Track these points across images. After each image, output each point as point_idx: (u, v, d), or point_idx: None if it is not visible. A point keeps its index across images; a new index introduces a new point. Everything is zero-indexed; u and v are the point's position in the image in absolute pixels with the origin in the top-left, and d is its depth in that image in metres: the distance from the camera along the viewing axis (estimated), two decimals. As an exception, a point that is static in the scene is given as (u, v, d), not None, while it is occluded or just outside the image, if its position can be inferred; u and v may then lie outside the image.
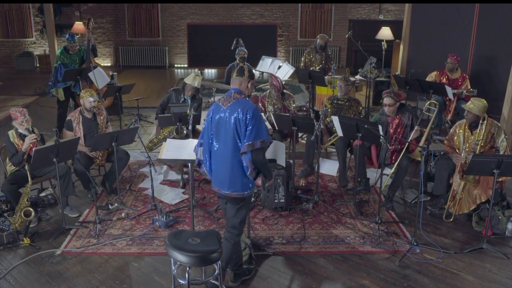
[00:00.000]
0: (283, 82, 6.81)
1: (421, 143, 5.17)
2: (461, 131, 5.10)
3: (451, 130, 5.28)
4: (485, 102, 4.93)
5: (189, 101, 6.13)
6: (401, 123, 5.46)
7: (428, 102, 5.68)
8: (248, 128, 3.50)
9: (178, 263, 3.39)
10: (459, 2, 8.49)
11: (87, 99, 5.42)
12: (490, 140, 4.94)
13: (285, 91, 6.51)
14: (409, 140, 5.19)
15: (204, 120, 3.93)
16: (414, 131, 5.26)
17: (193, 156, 4.20)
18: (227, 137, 3.57)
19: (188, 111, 5.77)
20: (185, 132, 5.60)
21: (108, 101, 7.80)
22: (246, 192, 3.67)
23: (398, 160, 5.29)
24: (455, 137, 5.16)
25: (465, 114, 5.02)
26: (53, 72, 7.27)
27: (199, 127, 6.58)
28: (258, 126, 3.52)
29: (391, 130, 5.44)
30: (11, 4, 13.44)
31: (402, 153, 5.29)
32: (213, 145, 3.68)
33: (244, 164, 3.56)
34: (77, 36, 8.39)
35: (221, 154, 3.63)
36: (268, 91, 6.58)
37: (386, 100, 5.43)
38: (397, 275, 4.15)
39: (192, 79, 6.16)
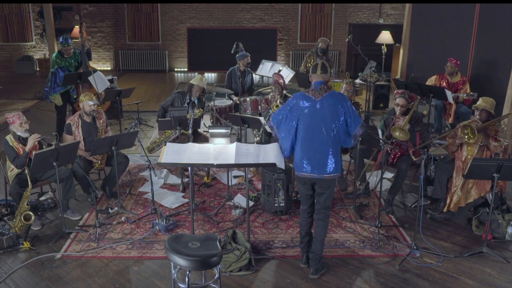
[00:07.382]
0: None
1: (402, 124, 5.13)
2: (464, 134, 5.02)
3: (453, 131, 5.16)
4: (492, 99, 4.97)
5: (196, 101, 6.21)
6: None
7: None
8: (350, 114, 3.84)
9: (178, 267, 3.39)
10: (458, 2, 8.50)
11: (87, 103, 5.43)
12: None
13: (287, 94, 6.50)
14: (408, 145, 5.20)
15: (278, 106, 4.17)
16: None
17: (192, 160, 4.19)
18: (326, 125, 3.84)
19: (188, 114, 5.79)
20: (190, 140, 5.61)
21: (105, 105, 7.79)
22: (340, 172, 4.02)
23: (396, 164, 5.29)
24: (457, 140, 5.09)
25: (478, 114, 4.90)
26: (49, 77, 7.15)
27: (200, 130, 6.61)
28: (354, 110, 3.91)
29: None
30: (11, 8, 13.47)
31: (400, 157, 5.28)
32: (304, 132, 3.91)
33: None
34: (77, 40, 8.39)
35: (318, 141, 3.87)
36: (270, 94, 6.57)
37: (400, 101, 5.34)
38: (397, 279, 4.15)
39: (199, 80, 6.31)
